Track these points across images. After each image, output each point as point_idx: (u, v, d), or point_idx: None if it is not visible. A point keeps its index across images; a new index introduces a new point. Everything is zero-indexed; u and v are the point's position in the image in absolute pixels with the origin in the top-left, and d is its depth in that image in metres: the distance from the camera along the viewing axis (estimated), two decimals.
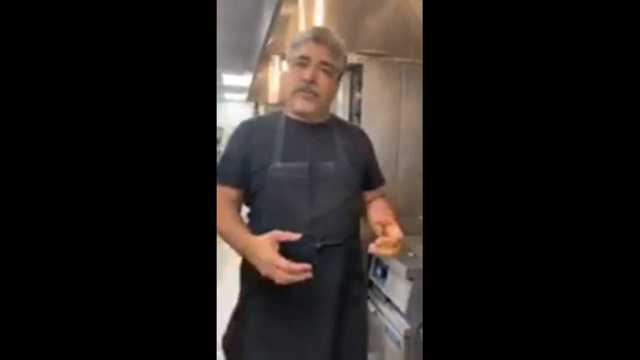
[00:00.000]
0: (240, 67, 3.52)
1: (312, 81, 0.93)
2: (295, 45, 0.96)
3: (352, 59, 1.53)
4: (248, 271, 0.95)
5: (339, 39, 0.97)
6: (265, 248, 0.84)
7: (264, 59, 2.47)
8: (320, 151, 0.97)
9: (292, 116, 0.99)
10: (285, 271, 0.81)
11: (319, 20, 1.87)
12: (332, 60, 0.95)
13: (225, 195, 0.95)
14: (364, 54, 1.54)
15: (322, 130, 1.00)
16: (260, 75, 3.14)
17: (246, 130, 1.00)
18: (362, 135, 1.12)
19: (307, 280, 0.87)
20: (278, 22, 1.75)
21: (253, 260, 0.87)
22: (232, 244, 0.91)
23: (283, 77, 1.07)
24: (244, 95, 5.20)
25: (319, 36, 0.94)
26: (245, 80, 4.09)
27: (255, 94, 4.40)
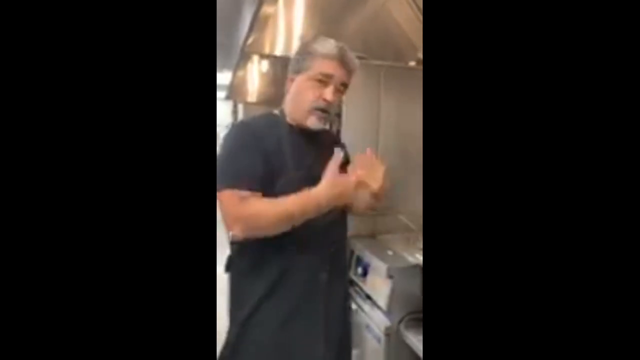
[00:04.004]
0: (219, 65, 3.48)
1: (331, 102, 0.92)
2: (313, 57, 0.92)
3: None
4: (252, 284, 0.94)
5: (355, 58, 0.96)
6: (335, 184, 0.87)
7: (244, 57, 2.45)
8: (323, 159, 0.97)
9: (294, 124, 0.97)
10: (365, 176, 0.86)
11: (298, 21, 1.88)
12: (349, 81, 0.96)
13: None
14: None
15: (319, 138, 1.00)
16: (239, 74, 3.11)
17: (252, 134, 0.93)
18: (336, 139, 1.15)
19: (319, 284, 0.94)
20: (258, 22, 1.75)
21: (333, 201, 0.88)
22: (301, 214, 0.87)
23: (297, 90, 0.96)
24: (222, 93, 5.13)
25: (345, 57, 0.92)
26: (223, 78, 4.04)
27: (234, 92, 4.34)
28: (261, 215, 0.86)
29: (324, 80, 0.92)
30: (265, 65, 2.59)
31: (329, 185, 0.87)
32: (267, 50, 2.20)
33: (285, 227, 0.88)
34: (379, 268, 1.36)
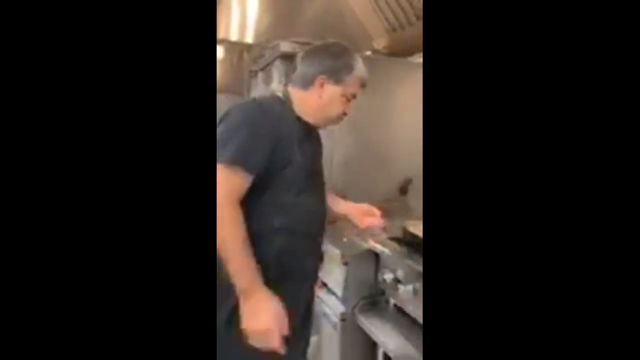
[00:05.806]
0: None
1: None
2: (353, 74, 0.99)
3: (286, 47, 1.52)
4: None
5: None
6: (273, 311, 0.84)
7: None
8: (317, 151, 1.05)
9: (304, 118, 1.00)
10: (276, 346, 0.84)
11: (253, 5, 1.83)
12: None
13: (239, 186, 0.86)
14: (298, 42, 1.53)
15: (313, 133, 1.06)
16: None
17: (266, 117, 0.93)
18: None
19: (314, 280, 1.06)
20: None
21: (248, 309, 0.83)
22: (231, 268, 0.83)
23: (329, 100, 0.99)
24: None
25: (367, 82, 1.03)
26: None
27: None
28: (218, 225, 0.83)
29: (350, 99, 1.03)
30: (220, 51, 2.50)
31: (255, 308, 0.84)
32: (221, 35, 2.13)
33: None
34: (333, 255, 1.37)
